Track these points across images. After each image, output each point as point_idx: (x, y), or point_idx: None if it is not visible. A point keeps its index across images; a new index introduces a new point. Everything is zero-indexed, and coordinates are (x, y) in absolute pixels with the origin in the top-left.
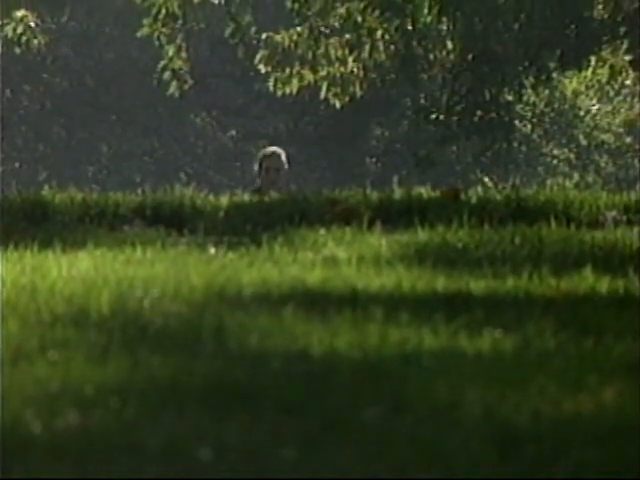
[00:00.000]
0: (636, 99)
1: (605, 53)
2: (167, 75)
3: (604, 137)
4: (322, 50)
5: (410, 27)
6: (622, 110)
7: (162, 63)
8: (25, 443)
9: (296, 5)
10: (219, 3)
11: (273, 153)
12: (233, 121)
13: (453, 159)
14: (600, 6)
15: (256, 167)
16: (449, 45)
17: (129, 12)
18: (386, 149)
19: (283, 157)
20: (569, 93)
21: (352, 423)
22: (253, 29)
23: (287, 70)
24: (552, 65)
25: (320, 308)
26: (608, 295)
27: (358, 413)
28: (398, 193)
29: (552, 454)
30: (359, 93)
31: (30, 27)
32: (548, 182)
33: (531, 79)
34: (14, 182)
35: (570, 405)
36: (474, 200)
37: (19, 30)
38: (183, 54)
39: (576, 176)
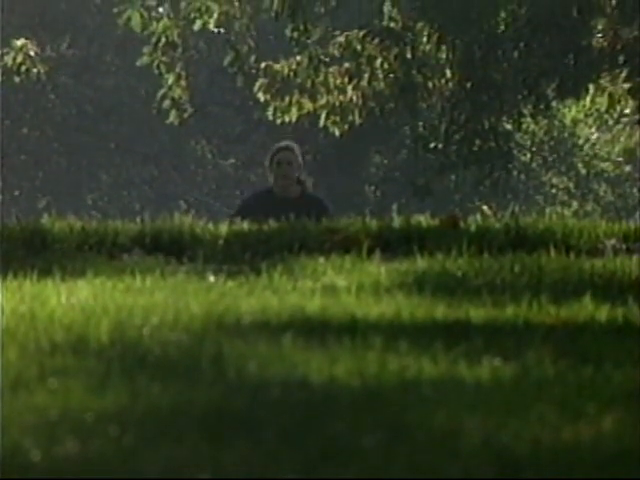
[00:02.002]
0: (635, 128)
1: (604, 81)
2: (166, 104)
3: (603, 166)
4: (321, 78)
5: (409, 55)
6: (621, 139)
7: (161, 92)
8: (24, 471)
9: (295, 34)
10: (218, 32)
11: (286, 146)
12: (233, 149)
13: (452, 188)
14: (599, 35)
15: (267, 162)
16: (448, 73)
17: (129, 41)
18: (385, 177)
19: (297, 150)
20: (568, 122)
21: (351, 451)
22: (253, 57)
23: (286, 98)
24: (551, 94)
25: (319, 336)
26: (607, 323)
27: (357, 441)
28: (397, 221)
29: None
30: (358, 121)
31: (30, 56)
32: (547, 211)
33: (530, 108)
34: (14, 210)
35: (570, 433)
36: (473, 228)
37: (19, 59)
38: (182, 82)
39: (575, 205)
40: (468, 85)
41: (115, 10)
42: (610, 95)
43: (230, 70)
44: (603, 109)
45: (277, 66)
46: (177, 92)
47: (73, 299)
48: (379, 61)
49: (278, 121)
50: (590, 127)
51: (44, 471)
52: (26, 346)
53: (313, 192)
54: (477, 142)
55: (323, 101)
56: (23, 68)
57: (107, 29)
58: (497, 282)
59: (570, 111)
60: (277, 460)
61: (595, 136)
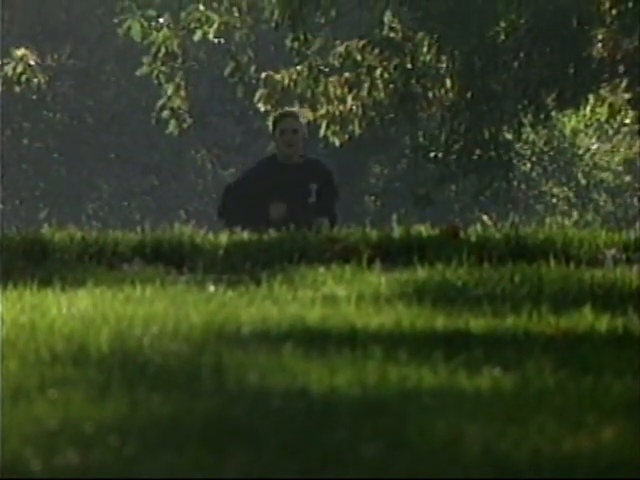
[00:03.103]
0: (635, 138)
1: (604, 91)
2: (166, 114)
3: (603, 176)
4: (321, 89)
5: (409, 65)
6: (621, 149)
7: (161, 102)
8: None
9: (295, 44)
10: (219, 42)
11: (290, 113)
12: (233, 159)
13: (452, 197)
14: (599, 45)
15: (271, 129)
16: (448, 83)
17: (129, 51)
18: (385, 187)
19: (301, 118)
20: (568, 132)
21: (351, 460)
22: (253, 68)
23: (286, 109)
24: (551, 104)
25: (319, 346)
26: (607, 333)
27: (357, 450)
28: (397, 231)
29: None
30: (358, 131)
31: (30, 66)
32: (547, 220)
33: (530, 117)
34: (14, 220)
35: (570, 443)
36: (473, 238)
37: (19, 69)
38: (182, 93)
39: (575, 215)
40: (468, 95)
41: (115, 20)
42: (610, 105)
43: (230, 80)
44: (603, 119)
45: (277, 76)
46: (176, 102)
47: (73, 309)
48: (379, 71)
49: None
50: (590, 137)
51: None
52: (26, 356)
53: (312, 156)
54: (477, 152)
55: (323, 111)
56: (23, 78)
57: (107, 39)
58: (497, 292)
59: (570, 121)
60: (277, 469)
61: (595, 146)
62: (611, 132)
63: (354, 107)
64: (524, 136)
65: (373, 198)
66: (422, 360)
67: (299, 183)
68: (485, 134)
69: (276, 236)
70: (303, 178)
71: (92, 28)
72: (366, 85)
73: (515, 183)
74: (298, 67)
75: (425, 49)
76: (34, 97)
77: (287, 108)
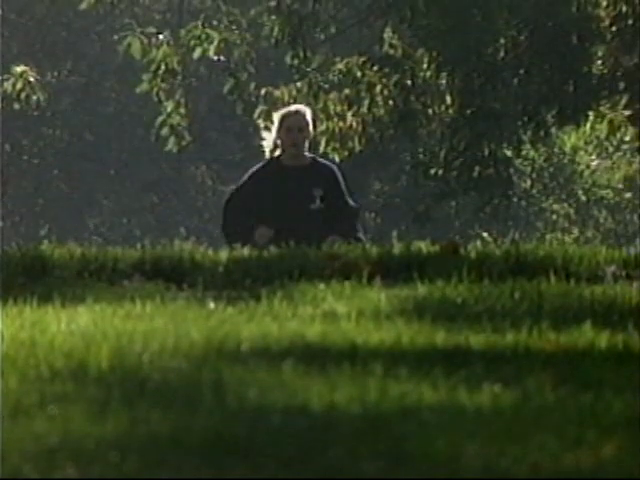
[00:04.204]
0: (635, 155)
1: (604, 108)
2: (165, 131)
3: (603, 193)
4: (321, 105)
5: (409, 82)
6: (621, 166)
7: (160, 118)
8: None
9: (295, 61)
10: (218, 59)
11: (296, 110)
12: (233, 175)
13: (452, 214)
14: (599, 61)
15: (274, 129)
16: (448, 100)
17: (129, 68)
18: (385, 204)
19: (308, 115)
20: (568, 148)
21: (351, 477)
22: (252, 84)
23: (292, 105)
24: (551, 120)
25: (319, 363)
26: (608, 350)
27: (358, 467)
28: (397, 248)
29: None
30: (358, 148)
31: (30, 82)
32: (547, 237)
33: (530, 134)
34: (14, 236)
35: (570, 460)
36: (473, 255)
37: (18, 86)
38: (182, 110)
39: (575, 231)
40: (468, 112)
41: (115, 37)
42: (610, 122)
43: (230, 97)
44: (603, 136)
45: (277, 92)
46: (176, 119)
47: (73, 325)
48: (379, 88)
49: None
50: (590, 154)
51: None
52: (26, 372)
53: (325, 159)
54: (477, 169)
55: (323, 127)
56: (23, 94)
57: (107, 56)
58: (497, 308)
59: (570, 138)
60: None
61: (595, 163)
62: (611, 149)
63: (354, 123)
64: (524, 153)
65: (373, 214)
66: (422, 376)
67: (300, 188)
68: (485, 151)
69: (276, 253)
70: (305, 182)
71: (92, 45)
72: (366, 102)
73: (515, 200)
74: (298, 83)
75: (425, 66)
76: (34, 114)
77: (293, 105)
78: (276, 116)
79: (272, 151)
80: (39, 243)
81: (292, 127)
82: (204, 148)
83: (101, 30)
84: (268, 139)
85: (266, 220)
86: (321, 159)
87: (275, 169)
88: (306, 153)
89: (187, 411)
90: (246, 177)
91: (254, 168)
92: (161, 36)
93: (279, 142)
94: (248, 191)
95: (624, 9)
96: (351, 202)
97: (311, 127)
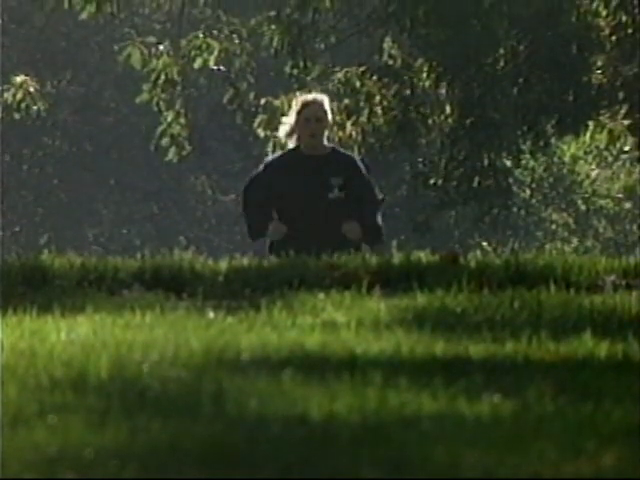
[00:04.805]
0: (635, 164)
1: (603, 118)
2: (165, 141)
3: (603, 202)
4: None
5: (408, 92)
6: (621, 175)
7: (160, 128)
8: None
9: (295, 70)
10: (218, 68)
11: (314, 100)
12: (233, 185)
13: (452, 224)
14: (598, 71)
15: (292, 118)
16: (447, 110)
17: (129, 78)
18: (385, 213)
19: (326, 103)
20: (568, 158)
21: None
22: (252, 94)
23: (311, 94)
24: (550, 130)
25: (319, 372)
26: (607, 359)
27: (357, 476)
28: (397, 257)
29: None
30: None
31: (30, 93)
32: (547, 247)
33: (529, 144)
34: (14, 246)
35: (569, 469)
36: (473, 264)
37: (19, 96)
38: (182, 120)
39: (575, 241)
40: (467, 122)
41: (115, 47)
42: (610, 132)
43: (230, 107)
44: (603, 146)
45: (276, 102)
46: (176, 129)
47: (73, 335)
48: (378, 98)
49: None
50: (590, 164)
51: None
52: (26, 382)
53: (344, 150)
54: (476, 179)
55: None
56: (23, 105)
57: (107, 66)
58: (497, 318)
59: (569, 148)
60: None
61: (595, 173)
62: (611, 159)
63: (353, 133)
64: (523, 163)
65: None
66: (422, 386)
67: (319, 177)
68: (484, 161)
69: (276, 262)
70: (324, 171)
71: (92, 55)
72: (365, 111)
73: (515, 209)
74: (297, 93)
75: (424, 76)
76: (34, 124)
77: (311, 94)
78: (294, 104)
79: (288, 135)
80: (39, 253)
81: (310, 117)
82: (204, 158)
83: (101, 40)
84: (285, 123)
85: (283, 210)
86: (342, 149)
87: (293, 158)
88: (325, 143)
89: (187, 420)
90: (262, 166)
91: (271, 157)
92: (161, 46)
93: (297, 132)
94: (264, 180)
95: (624, 19)
96: (376, 192)
97: (330, 116)
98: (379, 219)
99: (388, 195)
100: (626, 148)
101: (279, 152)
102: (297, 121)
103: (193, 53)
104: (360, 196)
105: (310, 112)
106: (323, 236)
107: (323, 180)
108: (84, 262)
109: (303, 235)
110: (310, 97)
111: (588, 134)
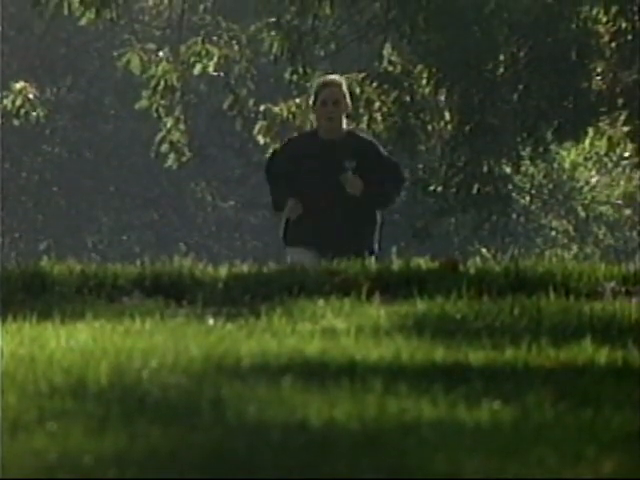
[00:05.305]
0: (635, 171)
1: (603, 124)
2: (165, 147)
3: (603, 209)
4: None
5: (408, 98)
6: (621, 182)
7: (160, 135)
8: None
9: (295, 77)
10: (218, 74)
11: (331, 81)
12: (232, 191)
13: (451, 230)
14: (598, 78)
15: (311, 101)
16: (447, 117)
17: (128, 84)
18: (385, 220)
19: (344, 85)
20: (567, 165)
21: None
22: (252, 100)
23: (329, 76)
24: (550, 137)
25: (319, 379)
26: (607, 366)
27: None
28: (397, 264)
29: None
30: None
31: (29, 99)
32: (547, 253)
33: (529, 151)
34: (14, 253)
35: (569, 476)
36: (473, 271)
37: (18, 102)
38: (181, 126)
39: (575, 248)
40: (467, 128)
41: (115, 53)
42: (609, 138)
43: (229, 113)
44: (602, 152)
45: (276, 109)
46: (176, 136)
47: (72, 342)
48: (378, 104)
49: None
50: (589, 170)
51: None
52: (25, 389)
53: (363, 133)
54: (476, 185)
55: None
56: (22, 111)
57: (107, 72)
58: (496, 325)
59: (569, 154)
60: None
61: (594, 179)
62: (610, 165)
63: None
64: (523, 169)
65: None
66: (421, 393)
67: (332, 160)
68: (484, 167)
69: (275, 269)
70: (337, 154)
71: (91, 61)
72: (365, 118)
73: (514, 216)
74: (297, 99)
75: (424, 82)
76: (33, 130)
77: (329, 76)
78: (313, 88)
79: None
80: (38, 259)
81: (327, 100)
82: (204, 164)
83: (101, 46)
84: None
85: (297, 192)
86: (361, 133)
87: (310, 141)
88: (344, 126)
89: (186, 427)
90: (280, 145)
91: (289, 137)
92: (161, 52)
93: (314, 115)
94: (282, 157)
95: (624, 25)
96: (400, 171)
97: (348, 99)
98: (394, 192)
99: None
100: (626, 154)
101: (296, 133)
102: (314, 103)
103: (192, 59)
104: (379, 179)
105: (327, 94)
106: (336, 219)
107: (336, 163)
108: (84, 269)
109: (316, 217)
110: (328, 78)
111: (588, 140)
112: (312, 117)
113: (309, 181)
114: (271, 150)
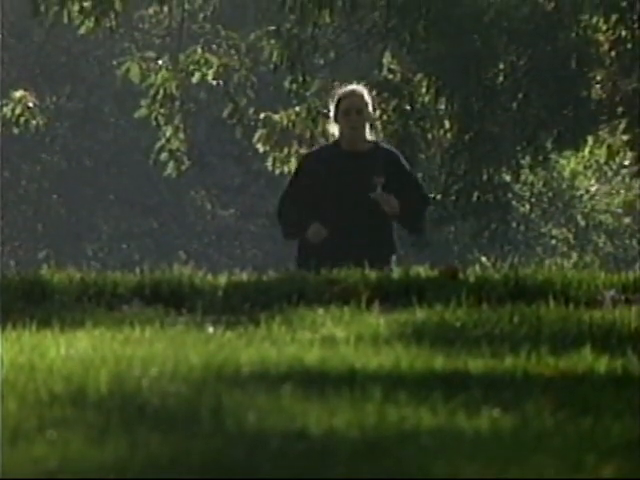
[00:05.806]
0: (634, 179)
1: (603, 133)
2: (164, 156)
3: (602, 217)
4: (320, 129)
5: (408, 107)
6: (621, 191)
7: (159, 144)
8: None
9: (294, 85)
10: (217, 83)
11: (353, 91)
12: (232, 199)
13: (451, 239)
14: (598, 86)
15: (332, 112)
16: (447, 125)
17: (128, 93)
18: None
19: (367, 95)
20: (567, 173)
21: None
22: (251, 109)
23: (285, 149)
24: (549, 145)
25: (318, 387)
26: (607, 374)
27: None
28: (396, 272)
29: None
30: None
31: (29, 107)
32: (546, 262)
33: (528, 159)
34: (13, 261)
35: None
36: (472, 279)
37: (17, 110)
38: (181, 135)
39: (574, 256)
40: (466, 137)
41: (114, 62)
42: (609, 146)
43: (229, 121)
44: (602, 160)
45: (276, 117)
46: (175, 144)
47: (72, 350)
48: (377, 112)
49: (277, 171)
50: (589, 179)
51: None
52: (25, 397)
53: (387, 145)
54: (476, 194)
55: None
56: (22, 119)
57: (106, 81)
58: (496, 333)
59: (569, 162)
60: None
61: (594, 188)
62: (610, 174)
63: None
64: (523, 177)
65: None
66: (421, 401)
67: (360, 176)
68: (484, 175)
69: (275, 277)
70: (365, 170)
71: (91, 70)
72: None
73: (514, 224)
74: (297, 108)
75: (424, 90)
76: (33, 138)
77: (350, 86)
78: (333, 99)
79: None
80: (38, 267)
81: (350, 109)
82: (203, 173)
83: (100, 55)
84: (333, 126)
85: (322, 211)
86: (384, 144)
87: (332, 154)
88: (368, 137)
89: (186, 435)
90: (297, 165)
91: (307, 152)
92: (160, 61)
93: (337, 127)
94: (302, 181)
95: (623, 33)
96: (424, 190)
97: (371, 108)
98: (424, 217)
99: None
100: (625, 163)
101: (316, 146)
102: (336, 114)
103: (192, 68)
104: (406, 194)
105: (349, 104)
106: (363, 239)
107: (364, 179)
108: (83, 277)
109: (342, 238)
110: (349, 88)
111: (587, 149)
112: (333, 129)
113: (334, 199)
114: (282, 194)
